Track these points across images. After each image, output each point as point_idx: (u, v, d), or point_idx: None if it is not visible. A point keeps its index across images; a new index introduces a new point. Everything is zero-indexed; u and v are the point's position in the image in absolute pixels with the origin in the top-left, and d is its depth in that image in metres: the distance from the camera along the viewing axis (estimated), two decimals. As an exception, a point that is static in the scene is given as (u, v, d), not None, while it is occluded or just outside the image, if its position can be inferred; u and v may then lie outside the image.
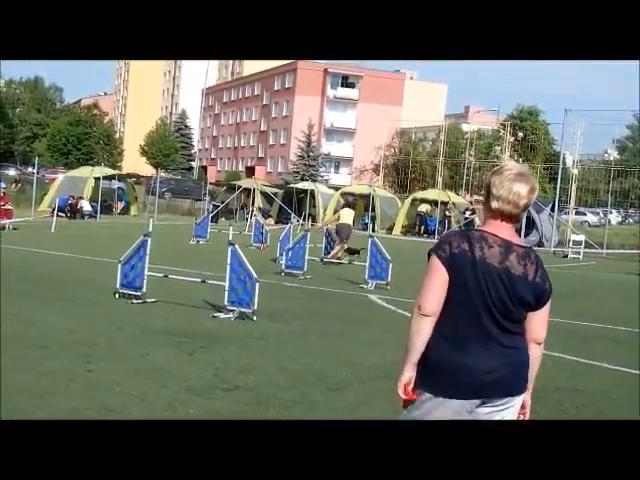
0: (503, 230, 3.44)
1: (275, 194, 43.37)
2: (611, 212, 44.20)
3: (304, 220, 33.37)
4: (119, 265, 11.68)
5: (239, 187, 42.97)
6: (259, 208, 39.12)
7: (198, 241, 24.52)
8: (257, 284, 10.57)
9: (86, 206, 35.27)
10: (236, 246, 10.85)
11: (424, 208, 41.01)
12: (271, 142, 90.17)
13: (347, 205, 23.06)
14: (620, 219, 55.33)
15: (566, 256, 31.81)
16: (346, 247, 20.52)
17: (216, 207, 38.22)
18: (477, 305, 3.37)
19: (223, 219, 38.34)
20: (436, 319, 3.42)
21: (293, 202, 41.33)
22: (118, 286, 11.63)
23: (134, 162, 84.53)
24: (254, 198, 41.33)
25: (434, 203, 40.44)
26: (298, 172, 65.83)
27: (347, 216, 20.71)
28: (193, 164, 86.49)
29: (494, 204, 3.43)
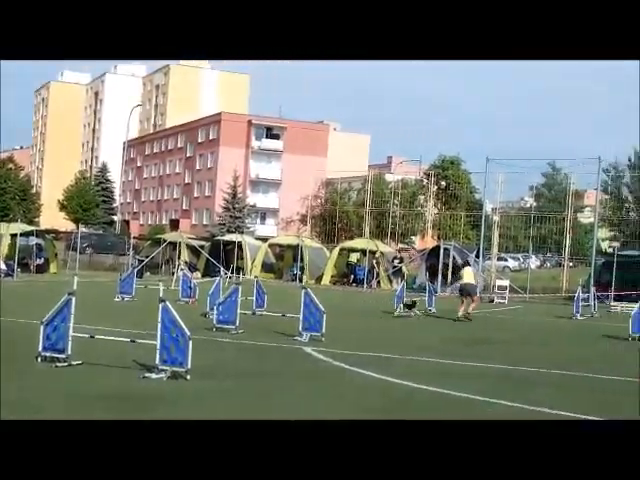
0: None
1: (202, 247, 42.76)
2: (530, 257, 45.25)
3: (232, 273, 33.00)
4: (41, 326, 11.09)
5: (164, 241, 42.26)
6: (185, 262, 38.49)
7: (123, 298, 23.79)
8: (190, 341, 10.15)
9: (1, 265, 34.01)
10: (167, 302, 10.42)
11: (354, 258, 40.97)
12: (196, 194, 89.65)
13: (466, 264, 25.71)
14: (539, 263, 56.69)
15: (492, 301, 32.09)
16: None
17: (141, 262, 37.43)
18: None
19: (148, 274, 37.62)
20: None
21: (220, 255, 40.79)
22: (41, 349, 11.02)
23: (53, 217, 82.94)
24: (180, 252, 40.69)
25: (362, 252, 40.49)
26: (224, 224, 65.35)
27: (469, 275, 23.20)
28: (115, 218, 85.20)
29: None
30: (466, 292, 22.75)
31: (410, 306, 22.91)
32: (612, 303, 29.89)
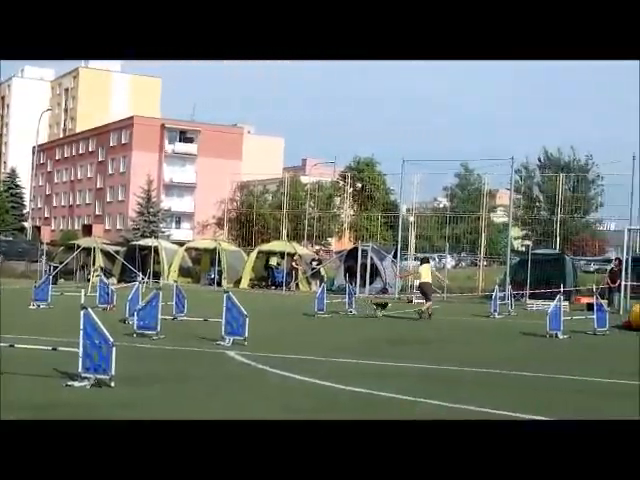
0: None
1: (117, 252, 42.09)
2: (446, 257, 45.95)
3: (149, 278, 32.51)
4: (-43, 336, 10.72)
5: (78, 246, 41.43)
6: (101, 267, 37.80)
7: (39, 305, 23.13)
8: (114, 348, 9.93)
9: None
10: (89, 309, 10.20)
11: (275, 261, 40.81)
12: (109, 199, 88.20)
13: (425, 261, 25.30)
14: (454, 263, 57.66)
15: (411, 301, 32.31)
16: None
17: (54, 268, 36.58)
18: None
19: (62, 280, 36.82)
20: None
21: (136, 260, 40.16)
22: (-43, 360, 10.64)
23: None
24: (95, 257, 39.94)
25: (280, 255, 40.45)
26: (138, 229, 64.39)
27: (427, 273, 23.83)
28: (26, 224, 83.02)
29: None
30: (423, 291, 23.94)
31: (383, 306, 23.75)
32: (528, 301, 30.52)
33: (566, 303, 23.79)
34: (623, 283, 27.38)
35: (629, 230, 29.04)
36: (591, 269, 47.47)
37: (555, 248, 38.88)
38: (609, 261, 34.11)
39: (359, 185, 61.29)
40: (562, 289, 21.14)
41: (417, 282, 25.04)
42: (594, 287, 24.48)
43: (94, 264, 38.79)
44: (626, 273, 27.55)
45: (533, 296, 30.87)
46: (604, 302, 22.39)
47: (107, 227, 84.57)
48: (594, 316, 20.23)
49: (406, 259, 42.05)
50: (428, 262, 25.34)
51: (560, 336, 18.42)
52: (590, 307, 23.68)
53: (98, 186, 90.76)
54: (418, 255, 48.22)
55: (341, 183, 61.83)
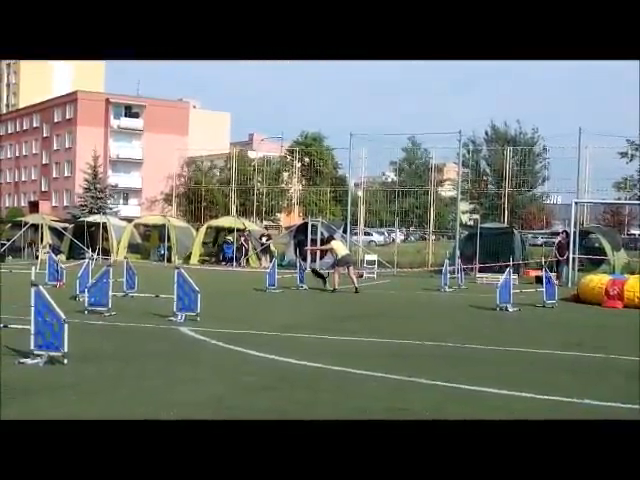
0: None
1: (65, 229, 41.56)
2: (396, 231, 46.03)
3: (97, 254, 32.16)
4: None
5: (26, 223, 40.82)
6: (49, 244, 37.32)
7: (-14, 283, 22.66)
8: (66, 325, 9.79)
9: None
10: (40, 287, 10.03)
11: (230, 237, 40.26)
12: (55, 175, 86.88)
13: (331, 238, 26.26)
14: (402, 237, 57.79)
15: (361, 276, 32.32)
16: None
17: (2, 245, 36.03)
18: None
19: (10, 258, 36.27)
20: None
21: (85, 236, 39.72)
22: None
23: None
24: (43, 234, 39.36)
25: (228, 230, 40.17)
26: (86, 205, 63.48)
27: (343, 247, 24.99)
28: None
29: None
30: (347, 263, 24.23)
31: (319, 275, 24.78)
32: (477, 275, 30.78)
33: (515, 276, 24.07)
34: (571, 256, 27.77)
35: (576, 203, 29.41)
36: (539, 242, 48.06)
37: (503, 222, 39.20)
38: (556, 234, 34.54)
39: (307, 160, 61.14)
40: (511, 262, 21.37)
41: (334, 258, 25.18)
42: (542, 260, 24.78)
43: (42, 241, 38.31)
44: (573, 246, 27.95)
45: (482, 270, 31.14)
46: (553, 275, 22.64)
47: (54, 204, 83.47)
48: (543, 289, 20.49)
49: (356, 234, 42.06)
50: (334, 238, 26.36)
51: (510, 309, 18.62)
52: (539, 280, 23.96)
53: (44, 162, 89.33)
54: (366, 229, 48.45)
55: (289, 158, 61.60)
